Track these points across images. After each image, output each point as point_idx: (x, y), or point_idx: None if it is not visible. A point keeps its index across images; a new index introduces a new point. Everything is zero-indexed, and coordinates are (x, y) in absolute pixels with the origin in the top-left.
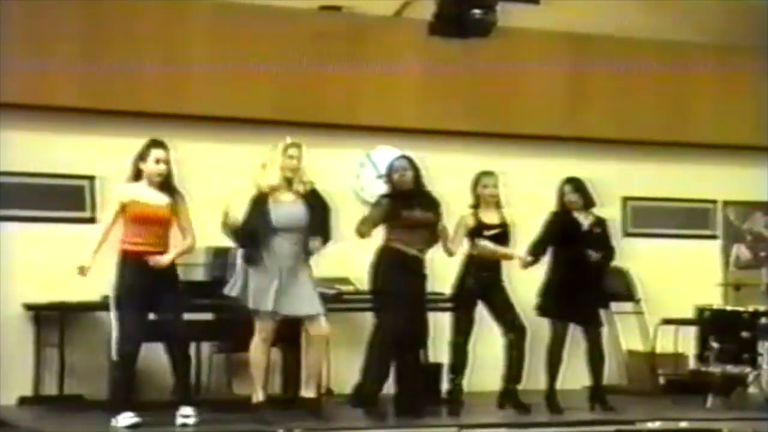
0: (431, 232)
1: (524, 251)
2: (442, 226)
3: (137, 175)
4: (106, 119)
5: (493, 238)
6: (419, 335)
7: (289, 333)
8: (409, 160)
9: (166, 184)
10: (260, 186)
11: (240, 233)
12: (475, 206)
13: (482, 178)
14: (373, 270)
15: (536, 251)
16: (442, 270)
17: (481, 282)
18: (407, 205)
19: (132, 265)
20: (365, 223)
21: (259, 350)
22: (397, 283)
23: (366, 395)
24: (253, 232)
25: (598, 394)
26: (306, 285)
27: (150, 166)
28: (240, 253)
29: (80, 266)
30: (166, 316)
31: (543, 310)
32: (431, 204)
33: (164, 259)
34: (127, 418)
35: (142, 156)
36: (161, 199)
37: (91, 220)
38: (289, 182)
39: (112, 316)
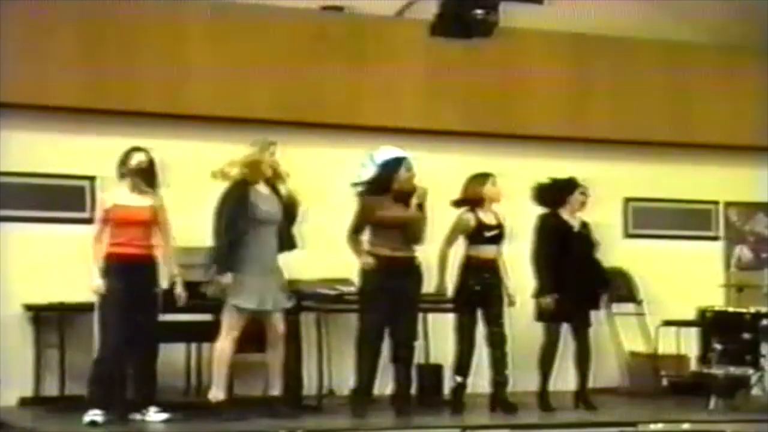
0: (407, 230)
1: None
2: (422, 190)
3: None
4: (106, 119)
5: (492, 239)
6: (405, 335)
7: (288, 333)
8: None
9: (147, 187)
10: (230, 175)
11: (223, 223)
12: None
13: (480, 178)
14: (360, 273)
15: (548, 276)
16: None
17: (483, 284)
18: (381, 204)
19: (114, 267)
20: (352, 236)
21: (229, 347)
22: (378, 284)
23: (356, 395)
24: (234, 222)
25: (583, 394)
26: (279, 279)
27: (129, 170)
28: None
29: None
30: (143, 318)
31: (540, 315)
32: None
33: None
34: (93, 415)
35: (122, 161)
36: (143, 202)
37: (91, 221)
38: (267, 176)
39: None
